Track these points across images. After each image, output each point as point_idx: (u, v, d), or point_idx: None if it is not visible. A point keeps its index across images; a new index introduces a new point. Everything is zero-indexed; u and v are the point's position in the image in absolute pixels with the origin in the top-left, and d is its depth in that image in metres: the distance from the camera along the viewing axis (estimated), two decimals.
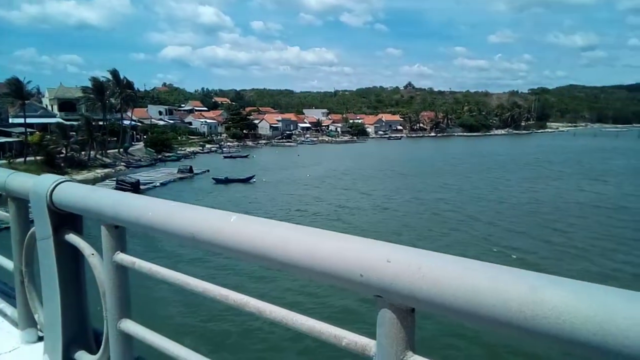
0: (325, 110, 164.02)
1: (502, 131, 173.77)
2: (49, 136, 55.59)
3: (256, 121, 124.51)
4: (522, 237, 26.66)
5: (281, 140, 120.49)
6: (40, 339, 2.28)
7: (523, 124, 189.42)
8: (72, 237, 1.91)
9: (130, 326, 1.69)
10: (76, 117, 67.95)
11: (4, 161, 47.26)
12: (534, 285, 0.75)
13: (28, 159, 50.86)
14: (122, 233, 1.70)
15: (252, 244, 1.18)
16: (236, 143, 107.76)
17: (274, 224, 1.21)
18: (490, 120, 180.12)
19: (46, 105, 79.25)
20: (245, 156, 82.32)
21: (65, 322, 1.97)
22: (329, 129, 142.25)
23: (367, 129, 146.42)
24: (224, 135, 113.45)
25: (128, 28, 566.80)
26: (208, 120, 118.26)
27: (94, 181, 46.31)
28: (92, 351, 1.97)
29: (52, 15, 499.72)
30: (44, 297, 2.07)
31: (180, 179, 54.16)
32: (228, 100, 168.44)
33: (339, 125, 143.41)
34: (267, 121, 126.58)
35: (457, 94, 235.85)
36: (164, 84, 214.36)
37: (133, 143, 78.18)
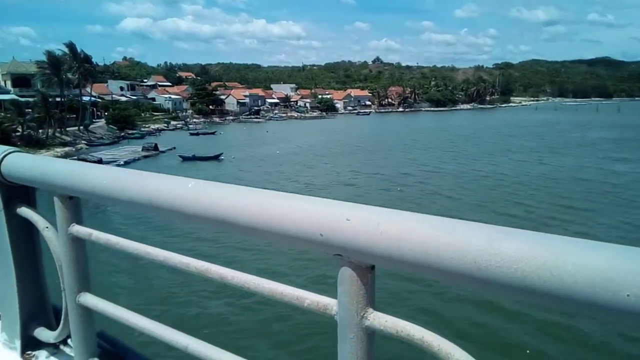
0: (293, 86, 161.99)
1: (468, 106, 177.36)
2: (2, 113, 52.96)
3: (223, 97, 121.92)
4: (483, 210, 27.35)
5: (249, 117, 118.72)
6: None
7: (488, 98, 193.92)
8: (25, 211, 1.82)
9: (90, 300, 1.65)
10: (32, 93, 64.94)
11: None
12: (491, 238, 0.76)
13: None
14: (77, 204, 1.64)
15: (211, 209, 1.15)
16: (202, 119, 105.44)
17: (232, 188, 1.17)
18: (457, 95, 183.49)
19: None
20: (212, 133, 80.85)
21: (22, 298, 1.90)
22: (298, 104, 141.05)
23: (336, 105, 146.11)
24: (190, 111, 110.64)
25: None
26: (172, 96, 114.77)
27: None
28: (52, 327, 1.92)
29: None
30: None
31: (145, 157, 52.75)
32: (193, 75, 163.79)
33: (308, 100, 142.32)
34: (234, 97, 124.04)
35: (424, 68, 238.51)
36: (125, 58, 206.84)
37: (94, 120, 74.94)
